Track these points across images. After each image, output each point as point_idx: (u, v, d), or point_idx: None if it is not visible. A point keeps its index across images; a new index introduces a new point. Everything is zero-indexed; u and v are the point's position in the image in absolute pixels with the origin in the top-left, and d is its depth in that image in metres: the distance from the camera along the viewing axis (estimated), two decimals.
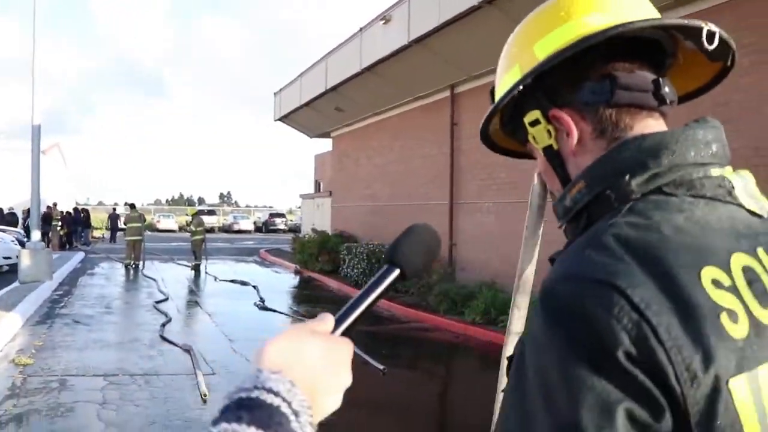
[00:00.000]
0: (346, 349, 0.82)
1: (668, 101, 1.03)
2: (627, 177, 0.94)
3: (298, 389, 0.71)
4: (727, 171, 0.96)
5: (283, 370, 0.72)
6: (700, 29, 1.00)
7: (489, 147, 1.35)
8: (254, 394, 0.68)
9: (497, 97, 1.13)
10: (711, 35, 1.01)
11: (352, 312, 0.87)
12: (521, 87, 1.06)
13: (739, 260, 0.87)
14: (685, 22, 1.01)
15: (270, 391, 0.69)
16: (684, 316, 0.79)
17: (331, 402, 0.78)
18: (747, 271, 0.87)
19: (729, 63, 1.10)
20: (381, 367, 8.32)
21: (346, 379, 0.81)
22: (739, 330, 0.81)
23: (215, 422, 0.66)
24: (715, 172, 0.94)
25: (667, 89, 1.02)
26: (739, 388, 0.79)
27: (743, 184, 0.95)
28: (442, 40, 14.36)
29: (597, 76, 1.02)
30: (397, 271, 0.93)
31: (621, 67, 1.02)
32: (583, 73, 1.03)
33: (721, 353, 0.79)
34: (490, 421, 1.43)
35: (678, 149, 0.94)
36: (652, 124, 1.02)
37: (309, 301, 15.77)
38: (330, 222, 26.13)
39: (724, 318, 0.81)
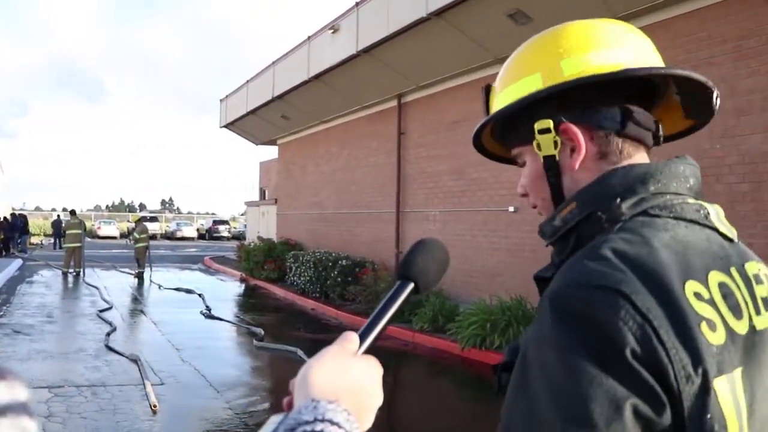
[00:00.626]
0: (378, 369, 0.86)
1: (660, 143, 1.17)
2: (618, 200, 1.04)
3: (353, 417, 0.74)
4: (701, 201, 1.09)
5: (337, 398, 0.75)
6: (711, 91, 1.14)
7: (477, 146, 1.40)
8: (318, 427, 0.70)
9: (507, 98, 1.18)
10: (715, 98, 1.15)
11: (373, 328, 0.91)
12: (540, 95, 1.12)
13: (715, 277, 0.99)
14: (705, 80, 1.12)
15: (332, 422, 0.71)
16: (675, 322, 0.90)
17: (369, 421, 0.81)
18: (722, 286, 0.99)
19: (700, 124, 1.24)
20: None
21: (380, 398, 0.85)
22: (716, 337, 0.92)
23: None
24: (691, 200, 1.08)
25: (661, 131, 1.16)
26: (721, 387, 0.90)
27: (715, 211, 1.08)
28: (390, 50, 14.49)
29: (609, 104, 1.11)
30: (411, 285, 0.98)
31: (631, 103, 1.13)
32: (598, 97, 1.11)
33: (705, 356, 0.89)
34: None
35: (662, 179, 1.06)
36: (644, 158, 1.14)
37: (255, 309, 15.66)
38: (276, 229, 26.02)
39: (704, 326, 0.92)
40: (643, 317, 0.88)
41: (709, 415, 0.88)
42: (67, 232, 22.58)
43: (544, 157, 1.15)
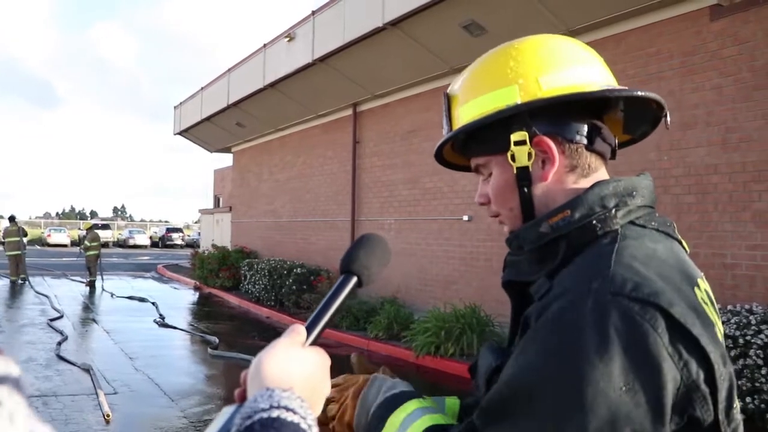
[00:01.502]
0: (325, 360, 0.90)
1: (615, 157, 1.25)
2: (613, 210, 1.11)
3: (306, 404, 0.77)
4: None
5: (290, 387, 0.78)
6: (658, 114, 1.24)
7: (438, 157, 1.42)
8: (274, 413, 0.72)
9: (478, 108, 1.20)
10: (665, 115, 1.24)
11: (319, 321, 0.96)
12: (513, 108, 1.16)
13: (702, 284, 1.09)
14: (664, 104, 1.21)
15: (287, 409, 0.73)
16: (704, 324, 0.98)
17: (318, 408, 0.85)
18: (706, 292, 1.09)
19: (636, 139, 1.34)
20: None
21: (328, 388, 0.89)
22: (720, 337, 1.03)
23: None
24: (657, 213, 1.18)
25: (616, 146, 1.25)
26: (735, 381, 1.01)
27: (674, 225, 1.19)
28: (345, 59, 14.55)
29: (578, 119, 1.18)
30: (354, 279, 1.02)
31: (594, 118, 1.20)
32: (568, 112, 1.17)
33: (726, 355, 1.00)
34: None
35: (643, 193, 1.15)
36: (605, 172, 1.22)
37: (210, 317, 15.54)
38: (230, 237, 25.84)
39: (716, 328, 1.02)
40: (680, 330, 0.94)
41: (735, 407, 0.99)
42: (5, 240, 21.99)
43: (518, 168, 1.17)
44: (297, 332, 0.91)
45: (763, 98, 7.73)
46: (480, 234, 12.29)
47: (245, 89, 19.54)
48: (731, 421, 0.98)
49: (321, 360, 0.89)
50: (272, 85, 17.78)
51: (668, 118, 1.23)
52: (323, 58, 14.97)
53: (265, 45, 18.38)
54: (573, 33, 9.76)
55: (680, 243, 1.17)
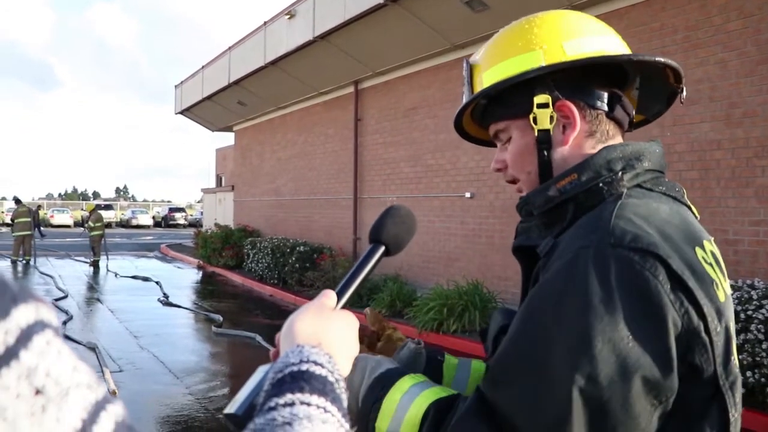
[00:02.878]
0: (354, 322, 0.94)
1: (632, 129, 1.28)
2: (620, 173, 1.12)
3: (334, 360, 0.81)
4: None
5: (319, 344, 0.83)
6: (675, 90, 1.29)
7: (457, 127, 1.43)
8: (304, 367, 0.76)
9: (502, 72, 1.22)
10: (681, 89, 1.28)
11: (349, 287, 1.00)
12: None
13: (707, 245, 1.11)
14: (680, 70, 1.25)
15: (316, 363, 0.77)
16: (701, 281, 1.00)
17: (346, 368, 0.88)
18: (712, 254, 1.11)
19: (648, 120, 1.38)
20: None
21: (356, 348, 0.93)
22: (721, 295, 1.05)
23: (276, 394, 0.73)
24: (667, 179, 1.20)
25: (633, 118, 1.27)
26: (734, 336, 1.05)
27: (684, 192, 1.21)
28: (346, 36, 14.47)
29: (600, 87, 1.20)
30: (382, 248, 1.06)
31: (615, 87, 1.23)
32: (591, 79, 1.19)
33: (723, 311, 1.02)
34: None
35: (651, 158, 1.17)
36: (621, 140, 1.24)
37: (213, 296, 15.62)
38: (233, 216, 25.87)
39: (715, 286, 1.04)
40: (678, 281, 0.96)
41: (733, 362, 1.01)
42: (15, 221, 22.22)
43: (539, 131, 1.19)
44: (327, 296, 0.95)
45: None
46: (482, 211, 12.29)
47: (246, 67, 19.46)
48: (729, 374, 1.00)
49: (350, 321, 0.93)
50: (273, 63, 17.70)
51: (684, 92, 1.27)
52: (324, 36, 14.89)
53: (265, 23, 18.28)
54: (576, 8, 9.69)
55: (689, 208, 1.19)
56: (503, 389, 1.00)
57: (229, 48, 21.20)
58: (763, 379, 6.07)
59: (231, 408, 0.81)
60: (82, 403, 0.53)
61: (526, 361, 0.99)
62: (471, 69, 1.30)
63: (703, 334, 0.96)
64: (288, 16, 16.55)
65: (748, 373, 6.12)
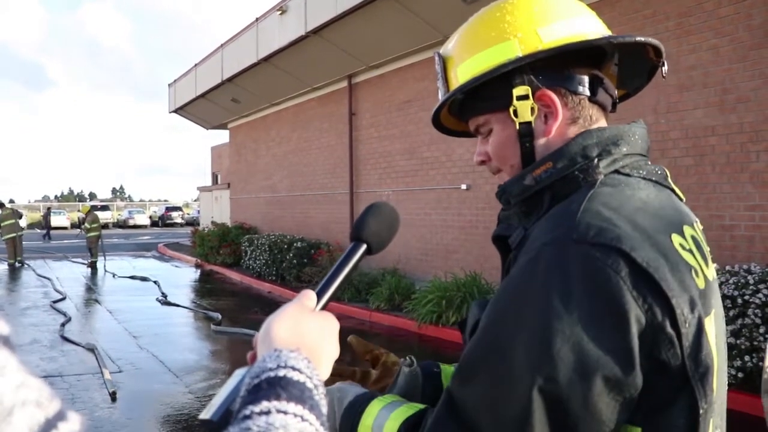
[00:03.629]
0: (334, 325, 0.91)
1: (616, 109, 1.24)
2: (596, 160, 1.09)
3: (313, 365, 0.78)
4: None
5: (298, 348, 0.80)
6: (655, 64, 1.23)
7: (435, 123, 1.40)
8: (281, 372, 0.74)
9: (477, 65, 1.18)
10: (662, 64, 1.23)
11: (329, 287, 0.98)
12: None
13: (687, 231, 1.08)
14: (660, 46, 1.19)
15: (294, 368, 0.75)
16: (673, 270, 0.98)
17: (325, 373, 0.86)
18: (693, 239, 1.09)
19: (630, 93, 1.34)
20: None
21: (336, 352, 0.90)
22: (700, 282, 1.03)
23: (251, 401, 0.70)
24: (649, 162, 1.17)
25: (616, 98, 1.24)
26: (709, 325, 1.02)
27: (668, 174, 1.18)
28: (339, 30, 14.44)
29: (580, 71, 1.16)
30: (364, 247, 1.03)
31: (595, 70, 1.19)
32: (570, 64, 1.16)
33: (697, 300, 0.99)
34: None
35: (631, 141, 1.13)
36: (605, 124, 1.20)
37: (212, 294, 15.61)
38: (230, 214, 25.87)
39: (693, 273, 1.02)
40: (644, 273, 0.94)
41: (704, 352, 0.98)
42: (2, 224, 22.09)
43: (521, 124, 1.16)
44: (307, 297, 0.92)
45: (760, 58, 7.68)
46: (479, 202, 12.29)
47: (239, 64, 19.43)
48: (699, 366, 0.97)
49: (329, 323, 0.90)
50: (266, 59, 17.67)
51: (665, 66, 1.22)
52: (316, 30, 14.86)
53: (257, 19, 18.24)
54: None
55: (673, 191, 1.17)
56: (468, 388, 0.99)
57: (222, 45, 21.15)
58: (761, 363, 6.08)
59: (206, 413, 0.78)
60: (29, 422, 0.50)
61: (488, 360, 0.98)
62: (444, 62, 1.27)
63: (669, 329, 0.94)
64: (280, 12, 16.51)
65: (746, 358, 6.13)
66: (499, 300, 1.03)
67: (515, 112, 1.16)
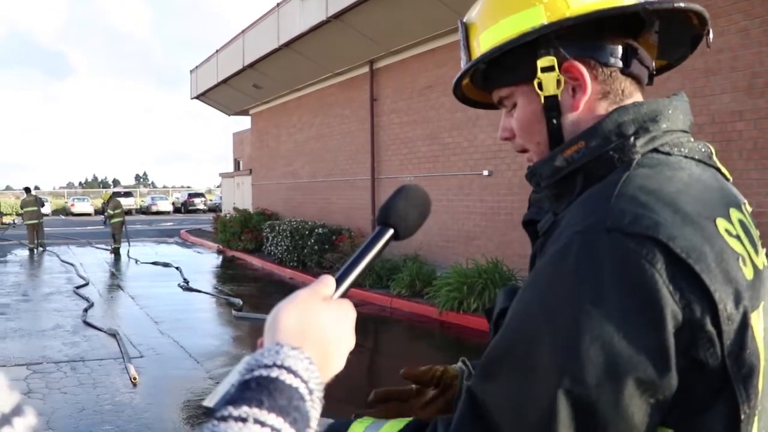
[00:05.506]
0: (351, 314, 0.85)
1: (653, 81, 1.13)
2: (632, 139, 1.00)
3: (314, 367, 0.73)
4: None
5: (301, 344, 0.75)
6: (706, 31, 1.11)
7: (456, 93, 1.31)
8: (274, 373, 0.70)
9: (501, 33, 1.10)
10: (707, 32, 1.11)
11: (350, 273, 0.91)
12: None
13: (734, 214, 0.98)
14: (708, 17, 1.08)
15: (289, 370, 0.71)
16: (718, 260, 0.88)
17: (338, 365, 0.81)
18: (741, 223, 0.99)
19: (672, 64, 1.22)
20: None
21: (351, 343, 0.84)
22: (748, 272, 0.93)
23: (234, 401, 0.68)
24: (693, 139, 1.07)
25: (654, 69, 1.13)
26: (755, 320, 0.91)
27: (713, 151, 1.08)
28: (360, 15, 14.36)
29: (612, 40, 1.07)
30: (391, 231, 0.97)
31: (630, 39, 1.08)
32: (601, 32, 1.06)
33: (744, 292, 0.89)
34: None
35: (671, 117, 1.04)
36: (640, 98, 1.10)
37: (233, 280, 15.66)
38: (251, 200, 25.94)
39: (741, 262, 0.92)
40: (683, 265, 0.85)
41: (748, 350, 0.88)
42: (24, 210, 22.57)
43: (546, 98, 1.08)
44: (324, 283, 0.87)
45: None
46: (501, 188, 12.19)
47: (260, 50, 19.42)
48: (742, 366, 0.87)
49: (345, 313, 0.85)
50: (287, 44, 17.63)
51: (711, 35, 1.11)
52: (337, 15, 14.78)
53: (278, 4, 18.18)
54: None
55: (719, 171, 1.07)
56: (489, 385, 0.92)
57: (243, 31, 21.14)
58: None
59: (210, 401, 0.74)
60: None
61: (511, 357, 0.91)
62: (467, 30, 1.19)
63: (709, 326, 0.85)
64: None
65: None
66: (526, 292, 0.96)
67: (540, 85, 1.07)
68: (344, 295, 0.89)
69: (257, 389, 0.68)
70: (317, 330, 0.79)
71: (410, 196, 1.02)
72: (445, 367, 1.40)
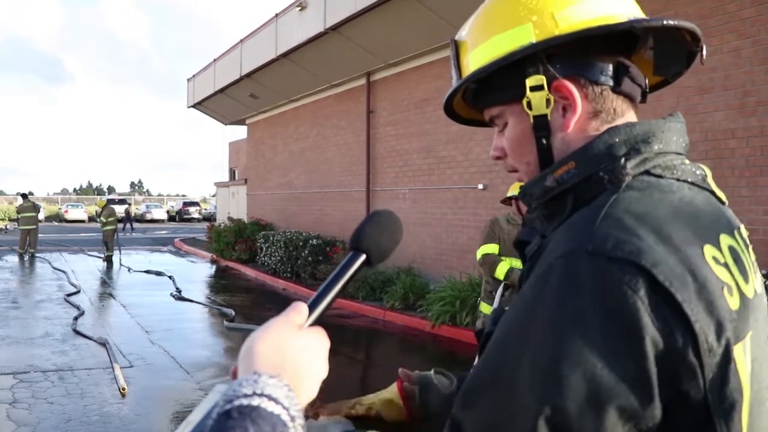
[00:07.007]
0: (324, 343, 0.85)
1: (646, 99, 1.12)
2: (623, 160, 0.98)
3: (293, 393, 0.73)
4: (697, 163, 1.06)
5: (279, 373, 0.75)
6: (700, 47, 1.09)
7: (448, 111, 1.29)
8: (255, 402, 0.69)
9: (490, 52, 1.09)
10: (700, 49, 1.10)
11: (323, 299, 0.90)
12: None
13: (725, 240, 0.96)
14: (700, 34, 1.07)
15: (270, 398, 0.70)
16: (700, 290, 0.86)
17: (311, 393, 0.81)
18: (731, 250, 0.96)
19: (669, 80, 1.20)
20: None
21: (324, 372, 0.83)
22: (733, 302, 0.90)
23: (218, 431, 0.67)
24: (687, 162, 1.04)
25: (647, 87, 1.11)
26: (739, 353, 0.88)
27: (708, 173, 1.06)
28: (358, 28, 14.40)
29: (602, 58, 1.05)
30: (363, 257, 0.96)
31: (621, 57, 1.07)
32: (591, 50, 1.05)
33: (727, 324, 0.87)
34: None
35: (664, 139, 1.02)
36: (633, 116, 1.09)
37: (226, 290, 15.62)
38: (246, 210, 25.91)
39: (725, 292, 0.89)
40: (665, 293, 0.83)
41: (729, 385, 0.86)
42: (20, 215, 22.76)
43: (535, 117, 1.07)
44: (297, 311, 0.86)
45: None
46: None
47: (258, 60, 19.45)
48: (723, 401, 0.86)
49: (319, 342, 0.84)
50: (285, 55, 17.67)
51: (704, 52, 1.10)
52: (335, 27, 14.82)
53: (276, 14, 18.23)
54: None
55: (713, 194, 1.05)
56: (471, 412, 0.91)
57: (241, 41, 21.18)
58: None
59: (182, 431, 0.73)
60: None
61: (492, 385, 0.90)
62: (457, 48, 1.17)
63: (691, 357, 0.83)
64: (299, 8, 16.48)
65: None
66: (508, 318, 0.94)
67: (529, 104, 1.06)
68: (317, 322, 0.88)
69: (240, 418, 0.67)
70: (292, 359, 0.79)
71: (382, 221, 1.00)
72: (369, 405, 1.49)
